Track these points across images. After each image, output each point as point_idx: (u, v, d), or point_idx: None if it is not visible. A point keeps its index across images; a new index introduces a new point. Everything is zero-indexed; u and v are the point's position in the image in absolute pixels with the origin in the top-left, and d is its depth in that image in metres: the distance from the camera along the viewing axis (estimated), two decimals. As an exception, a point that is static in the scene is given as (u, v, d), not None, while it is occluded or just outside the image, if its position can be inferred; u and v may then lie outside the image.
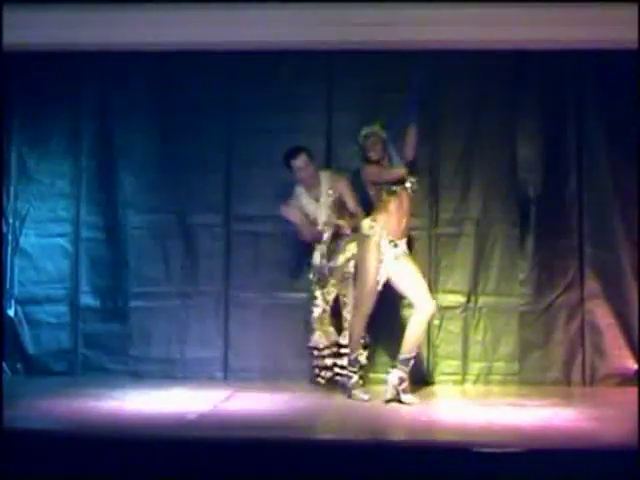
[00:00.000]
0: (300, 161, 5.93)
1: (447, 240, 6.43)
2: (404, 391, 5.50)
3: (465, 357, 6.38)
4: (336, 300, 6.07)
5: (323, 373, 6.02)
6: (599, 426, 4.78)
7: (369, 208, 5.77)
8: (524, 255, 6.42)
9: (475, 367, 6.38)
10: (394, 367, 5.56)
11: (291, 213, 6.00)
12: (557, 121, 6.48)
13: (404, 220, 5.64)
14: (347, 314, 5.98)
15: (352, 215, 5.94)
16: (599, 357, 6.33)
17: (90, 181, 6.67)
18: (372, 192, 5.73)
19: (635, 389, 5.71)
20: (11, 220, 6.66)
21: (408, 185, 5.65)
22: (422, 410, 5.29)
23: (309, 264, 6.12)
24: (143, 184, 6.62)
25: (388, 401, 5.46)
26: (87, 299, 6.61)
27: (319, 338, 6.01)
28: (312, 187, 6.00)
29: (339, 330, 6.03)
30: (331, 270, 6.00)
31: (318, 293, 6.04)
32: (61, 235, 6.65)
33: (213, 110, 6.56)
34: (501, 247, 6.45)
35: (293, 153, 5.94)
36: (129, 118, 6.64)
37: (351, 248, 5.93)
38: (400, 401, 5.45)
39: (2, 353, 6.43)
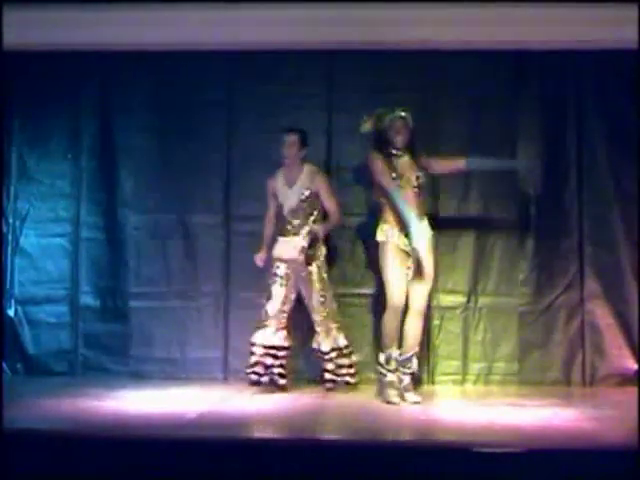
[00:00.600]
0: (291, 138, 5.93)
1: (447, 240, 6.42)
2: (406, 389, 5.52)
3: (465, 357, 6.38)
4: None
5: (259, 370, 5.88)
6: (599, 426, 4.78)
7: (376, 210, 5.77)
8: (524, 255, 6.42)
9: (475, 367, 6.38)
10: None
11: (269, 190, 6.05)
12: (557, 121, 6.48)
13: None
14: (316, 316, 5.92)
15: (327, 216, 5.94)
16: (599, 357, 6.33)
17: (90, 181, 6.67)
18: (376, 190, 5.68)
19: (635, 389, 5.72)
20: (11, 220, 6.66)
21: (413, 179, 5.59)
22: (422, 410, 5.29)
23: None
24: (143, 184, 6.62)
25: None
26: (87, 299, 6.61)
27: (266, 335, 5.89)
28: (291, 172, 5.97)
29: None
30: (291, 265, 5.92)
31: (277, 289, 5.92)
32: (61, 235, 6.65)
33: (213, 110, 6.56)
34: (501, 247, 6.45)
35: (290, 129, 5.97)
36: (129, 118, 6.64)
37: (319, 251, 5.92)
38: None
39: (2, 353, 6.44)
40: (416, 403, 5.46)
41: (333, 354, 5.94)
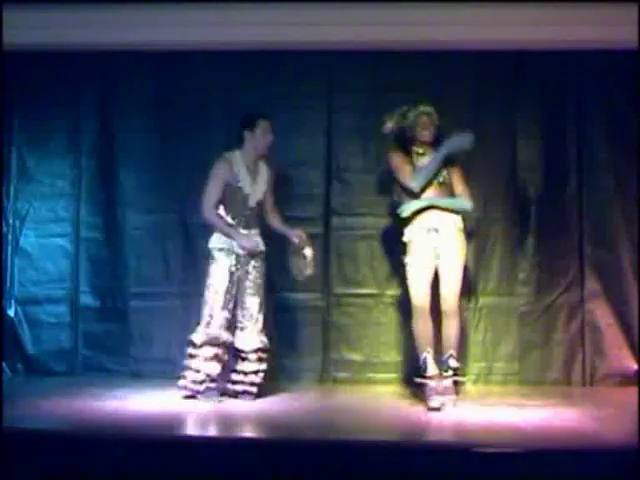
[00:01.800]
0: (268, 125, 5.61)
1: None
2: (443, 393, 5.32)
3: (465, 357, 6.38)
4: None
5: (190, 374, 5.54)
6: (599, 426, 4.78)
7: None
8: (524, 255, 6.42)
9: (475, 367, 6.38)
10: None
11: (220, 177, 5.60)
12: (557, 121, 6.48)
13: (435, 213, 5.47)
14: (242, 318, 5.61)
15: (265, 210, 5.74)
16: (599, 357, 6.33)
17: (90, 181, 6.67)
18: (397, 189, 5.60)
19: (635, 389, 5.72)
20: (11, 220, 6.66)
21: (438, 177, 5.51)
22: (422, 410, 5.29)
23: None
24: (143, 184, 6.62)
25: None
26: (87, 299, 6.61)
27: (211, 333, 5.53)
28: (255, 160, 5.67)
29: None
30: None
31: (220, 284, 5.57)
32: (61, 235, 6.65)
33: (213, 110, 6.56)
34: (501, 247, 6.46)
35: (264, 116, 5.62)
36: (129, 118, 6.64)
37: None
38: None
39: (2, 353, 6.43)
40: (435, 410, 5.19)
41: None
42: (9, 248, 6.64)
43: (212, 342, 5.50)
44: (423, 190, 5.49)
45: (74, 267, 6.62)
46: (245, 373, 5.57)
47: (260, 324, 5.64)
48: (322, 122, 6.53)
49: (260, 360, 5.60)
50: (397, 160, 5.56)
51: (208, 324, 5.52)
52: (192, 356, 5.52)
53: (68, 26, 6.17)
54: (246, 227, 5.65)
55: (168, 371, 6.41)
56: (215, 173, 5.63)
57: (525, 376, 6.34)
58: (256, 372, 5.58)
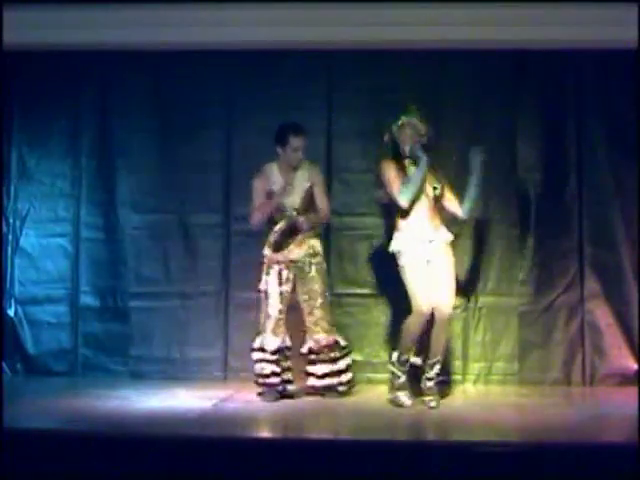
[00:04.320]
0: (302, 140, 5.65)
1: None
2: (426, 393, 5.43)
3: (465, 357, 6.38)
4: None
5: (271, 380, 5.62)
6: (599, 426, 4.78)
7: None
8: (524, 255, 6.42)
9: (475, 367, 6.38)
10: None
11: (260, 190, 5.69)
12: (557, 121, 6.48)
13: (427, 225, 5.42)
14: (308, 318, 5.67)
15: (317, 211, 5.73)
16: (599, 357, 6.33)
17: (90, 181, 6.67)
18: (387, 197, 5.54)
19: (635, 389, 5.72)
20: (11, 220, 6.66)
21: (429, 191, 5.44)
22: (422, 410, 5.29)
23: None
24: (143, 184, 6.62)
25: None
26: (87, 299, 6.61)
27: (270, 340, 5.61)
28: (290, 170, 5.71)
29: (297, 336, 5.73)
30: (287, 263, 5.68)
31: (273, 290, 5.67)
32: (61, 235, 6.65)
33: (213, 110, 6.56)
34: (501, 247, 6.45)
35: (298, 129, 5.63)
36: (129, 118, 6.64)
37: (312, 244, 5.71)
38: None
39: (2, 353, 6.44)
40: (432, 408, 5.31)
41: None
42: (9, 248, 6.64)
43: None
44: (412, 203, 5.39)
45: (74, 267, 6.62)
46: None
47: None
48: (322, 122, 6.52)
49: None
50: (389, 173, 5.46)
51: None
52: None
53: (68, 26, 6.17)
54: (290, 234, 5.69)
55: (168, 371, 6.44)
56: (254, 187, 5.73)
57: (525, 376, 6.33)
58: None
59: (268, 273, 5.70)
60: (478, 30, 6.12)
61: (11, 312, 6.60)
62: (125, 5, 6.17)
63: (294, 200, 5.71)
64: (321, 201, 5.76)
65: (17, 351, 6.58)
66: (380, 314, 6.44)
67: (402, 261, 5.43)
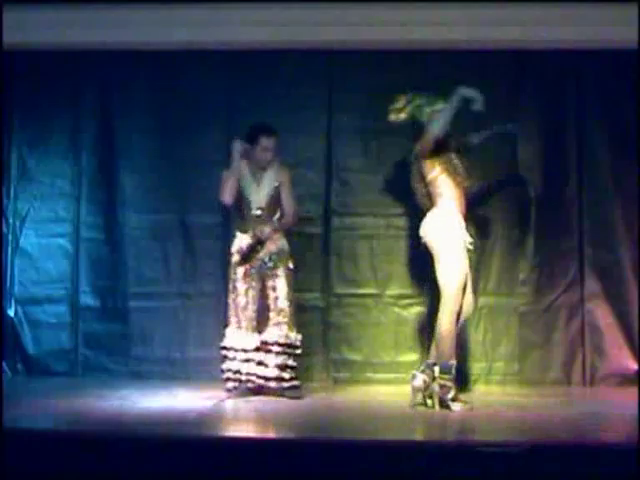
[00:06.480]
0: (272, 142, 5.70)
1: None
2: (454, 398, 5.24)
3: (465, 357, 6.37)
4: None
5: (237, 376, 5.66)
6: (599, 426, 4.78)
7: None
8: (524, 255, 6.42)
9: (475, 367, 6.38)
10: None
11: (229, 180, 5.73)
12: (557, 121, 6.48)
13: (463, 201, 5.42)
14: (273, 312, 5.68)
15: (282, 211, 5.75)
16: (599, 357, 6.33)
17: (90, 181, 6.67)
18: (427, 184, 5.42)
19: (635, 389, 5.72)
20: (11, 220, 6.66)
21: (455, 160, 5.45)
22: (422, 410, 5.28)
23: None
24: (143, 184, 6.62)
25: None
26: (87, 299, 6.61)
27: (238, 337, 5.68)
28: (259, 169, 5.77)
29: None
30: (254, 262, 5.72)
31: (240, 285, 5.72)
32: (61, 235, 6.65)
33: (213, 110, 6.56)
34: (501, 247, 6.46)
35: (268, 130, 5.71)
36: (129, 118, 6.64)
37: (281, 243, 5.72)
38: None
39: (2, 353, 6.44)
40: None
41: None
42: (9, 248, 6.64)
43: None
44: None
45: (74, 267, 6.62)
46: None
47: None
48: (322, 122, 6.53)
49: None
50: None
51: None
52: None
53: (68, 26, 6.17)
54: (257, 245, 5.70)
55: (168, 371, 6.44)
56: (225, 176, 5.75)
57: (525, 376, 6.34)
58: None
59: (235, 273, 5.75)
60: (478, 30, 6.13)
61: (11, 312, 6.60)
62: (125, 5, 6.18)
63: (260, 199, 5.74)
64: (287, 202, 5.79)
65: (17, 351, 6.58)
66: (380, 314, 6.44)
67: (442, 246, 5.30)
